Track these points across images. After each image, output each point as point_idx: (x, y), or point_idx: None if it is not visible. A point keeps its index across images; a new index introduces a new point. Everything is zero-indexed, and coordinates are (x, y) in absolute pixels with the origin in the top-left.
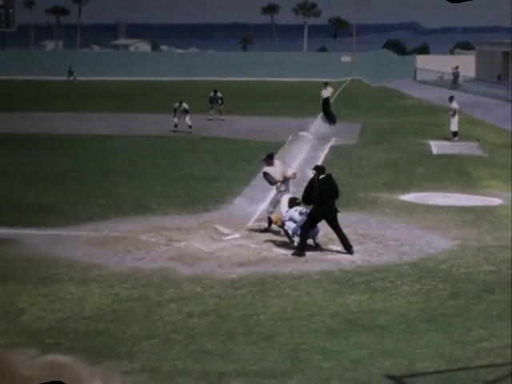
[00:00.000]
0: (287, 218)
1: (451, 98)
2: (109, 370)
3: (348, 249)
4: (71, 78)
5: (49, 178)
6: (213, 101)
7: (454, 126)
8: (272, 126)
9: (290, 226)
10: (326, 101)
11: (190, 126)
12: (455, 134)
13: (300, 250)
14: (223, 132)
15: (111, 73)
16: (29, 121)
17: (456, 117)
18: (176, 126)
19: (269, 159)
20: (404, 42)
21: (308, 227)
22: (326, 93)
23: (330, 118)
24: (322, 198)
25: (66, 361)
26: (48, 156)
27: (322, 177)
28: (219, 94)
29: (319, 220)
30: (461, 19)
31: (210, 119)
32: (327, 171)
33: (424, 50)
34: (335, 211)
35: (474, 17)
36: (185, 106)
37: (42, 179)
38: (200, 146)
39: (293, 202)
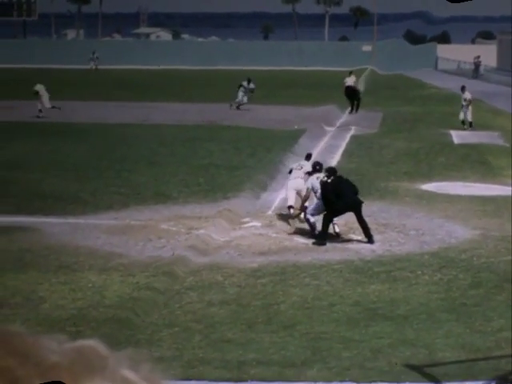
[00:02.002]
0: (309, 185)
1: (463, 89)
2: (137, 356)
3: (369, 238)
4: (93, 67)
5: (67, 166)
6: (245, 90)
7: (469, 115)
8: (293, 115)
9: (310, 209)
10: (349, 88)
11: (54, 107)
12: (470, 123)
13: (321, 239)
14: (243, 121)
15: (132, 61)
16: (48, 109)
17: (470, 107)
18: (40, 111)
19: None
20: (423, 31)
21: (330, 218)
22: (350, 81)
23: (352, 106)
24: (338, 195)
25: (93, 346)
26: (66, 144)
27: (332, 178)
28: (252, 85)
29: (343, 213)
30: (482, 8)
31: (238, 107)
32: (349, 160)
33: (444, 38)
34: (360, 203)
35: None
36: (39, 87)
37: (61, 168)
38: (220, 135)
39: (314, 168)
